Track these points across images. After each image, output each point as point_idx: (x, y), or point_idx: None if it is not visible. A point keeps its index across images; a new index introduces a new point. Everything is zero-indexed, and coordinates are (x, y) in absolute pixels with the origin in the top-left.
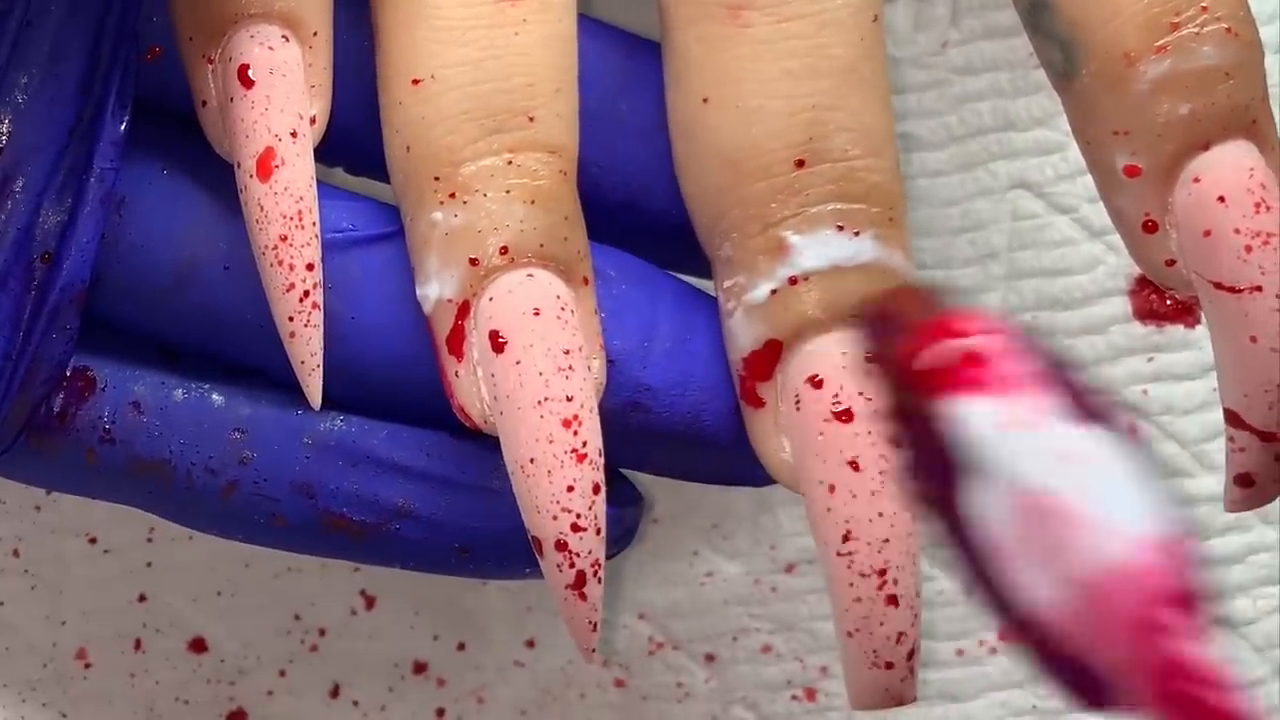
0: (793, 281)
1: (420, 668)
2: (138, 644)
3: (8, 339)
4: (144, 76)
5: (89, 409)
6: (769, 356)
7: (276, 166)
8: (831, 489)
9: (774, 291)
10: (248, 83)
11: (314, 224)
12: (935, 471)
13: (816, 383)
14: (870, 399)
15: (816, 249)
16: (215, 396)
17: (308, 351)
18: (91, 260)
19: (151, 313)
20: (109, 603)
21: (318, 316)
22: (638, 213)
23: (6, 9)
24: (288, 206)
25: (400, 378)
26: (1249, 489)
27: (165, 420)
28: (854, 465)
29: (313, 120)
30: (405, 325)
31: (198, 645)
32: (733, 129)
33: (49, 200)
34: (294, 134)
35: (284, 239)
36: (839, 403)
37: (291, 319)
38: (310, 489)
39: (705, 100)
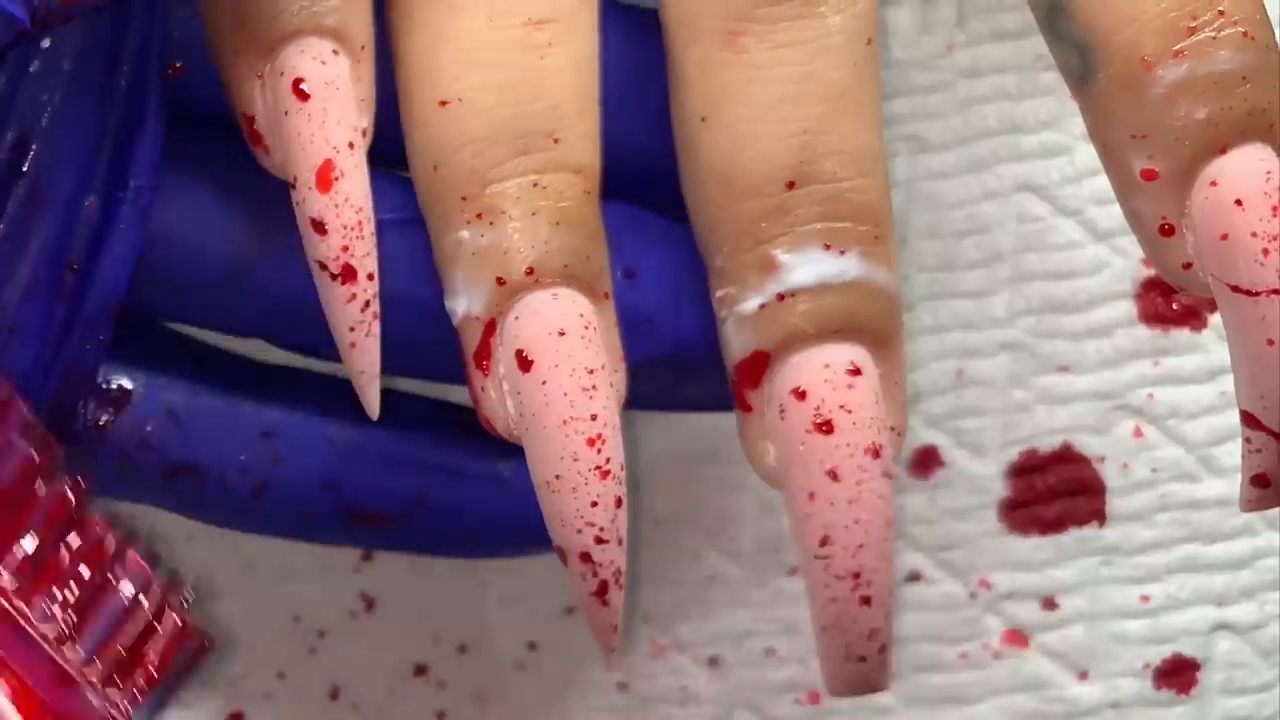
0: (780, 297)
1: (421, 670)
2: None
3: (37, 348)
4: (172, 89)
5: (126, 418)
6: (757, 366)
7: (336, 178)
8: (811, 496)
9: (762, 305)
10: (303, 96)
11: (373, 234)
12: None
13: (800, 394)
14: (850, 412)
15: (804, 267)
16: (246, 401)
17: (367, 362)
18: (127, 275)
19: (202, 307)
20: None
21: (377, 327)
22: (656, 181)
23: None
24: (349, 217)
25: (429, 342)
26: (1265, 490)
27: (199, 426)
28: (833, 475)
29: (363, 133)
30: (433, 300)
31: None
32: (727, 149)
33: (79, 214)
34: (350, 145)
35: (345, 250)
36: (820, 415)
37: (352, 329)
38: (336, 485)
39: (703, 120)
